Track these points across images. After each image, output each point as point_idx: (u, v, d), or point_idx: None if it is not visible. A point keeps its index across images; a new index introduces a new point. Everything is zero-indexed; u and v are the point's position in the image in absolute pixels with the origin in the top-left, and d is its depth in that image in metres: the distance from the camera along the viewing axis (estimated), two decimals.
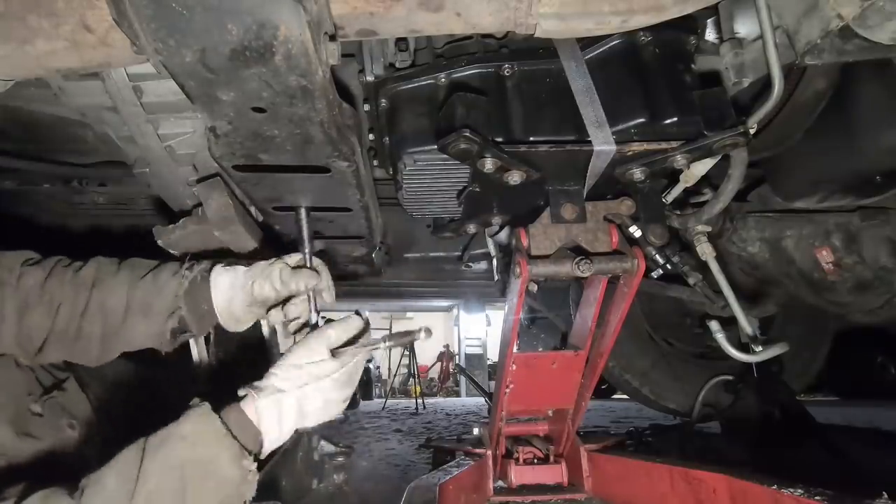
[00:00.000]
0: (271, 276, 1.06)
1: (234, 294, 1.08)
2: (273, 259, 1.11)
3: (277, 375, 0.91)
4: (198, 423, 0.81)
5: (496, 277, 1.97)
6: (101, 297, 1.05)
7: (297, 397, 0.90)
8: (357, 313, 1.02)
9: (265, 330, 1.35)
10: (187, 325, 1.08)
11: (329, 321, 1.04)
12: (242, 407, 0.87)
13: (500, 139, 1.19)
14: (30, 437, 0.98)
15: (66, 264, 1.09)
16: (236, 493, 0.81)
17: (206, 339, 1.32)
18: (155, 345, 1.11)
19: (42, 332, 1.02)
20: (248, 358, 1.49)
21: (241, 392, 0.89)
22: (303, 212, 1.24)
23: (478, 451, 1.93)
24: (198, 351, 1.37)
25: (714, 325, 1.67)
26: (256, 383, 0.90)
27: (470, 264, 2.31)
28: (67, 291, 1.04)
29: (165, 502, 0.76)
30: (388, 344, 0.99)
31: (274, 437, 0.89)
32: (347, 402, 0.96)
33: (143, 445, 0.79)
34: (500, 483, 1.90)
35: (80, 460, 1.05)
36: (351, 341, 0.98)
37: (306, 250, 1.16)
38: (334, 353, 0.95)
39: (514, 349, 1.58)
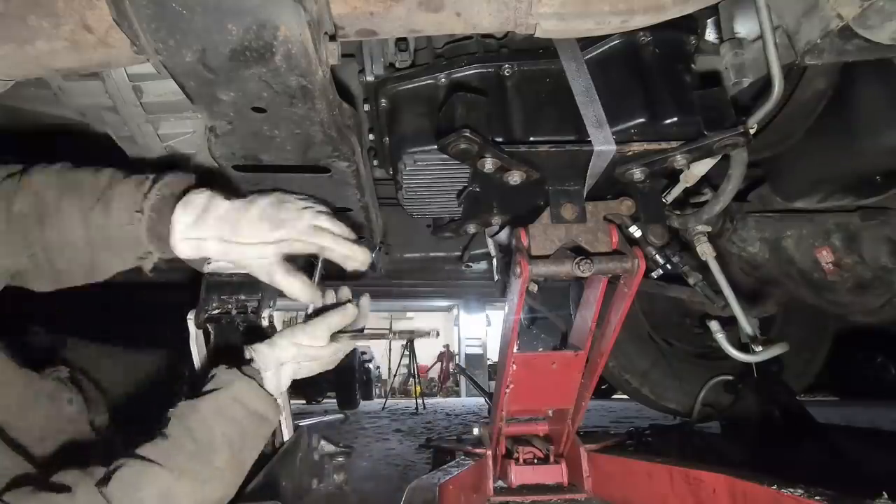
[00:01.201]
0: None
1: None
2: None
3: (281, 348, 1.03)
4: (245, 387, 0.93)
5: (496, 277, 1.97)
6: (56, 235, 0.94)
7: (293, 370, 1.05)
8: (349, 301, 1.16)
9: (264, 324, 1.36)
10: (154, 264, 1.02)
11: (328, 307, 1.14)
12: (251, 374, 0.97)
13: (500, 139, 1.19)
14: (36, 409, 0.99)
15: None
16: (272, 426, 0.99)
17: (206, 336, 1.32)
18: (134, 268, 1.03)
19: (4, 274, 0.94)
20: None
21: (247, 355, 0.99)
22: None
23: (478, 451, 1.93)
24: (196, 347, 1.37)
25: (714, 325, 1.68)
26: (260, 349, 1.01)
27: (470, 264, 2.30)
28: (3, 230, 0.93)
29: (234, 448, 0.89)
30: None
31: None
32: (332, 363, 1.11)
33: (191, 414, 0.88)
34: (500, 483, 1.90)
35: (77, 434, 1.06)
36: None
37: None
38: (333, 337, 1.08)
39: (514, 349, 1.58)
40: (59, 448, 0.99)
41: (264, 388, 0.96)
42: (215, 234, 0.98)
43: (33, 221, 0.93)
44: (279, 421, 1.02)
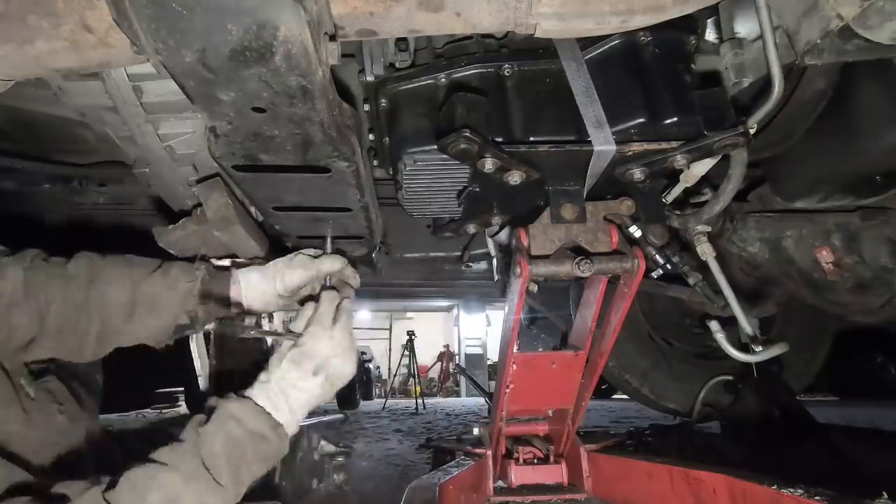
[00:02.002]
0: (298, 262, 1.16)
1: (265, 287, 1.16)
2: (292, 253, 1.18)
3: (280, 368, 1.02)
4: (238, 404, 0.95)
5: (496, 277, 1.97)
6: (101, 293, 1.04)
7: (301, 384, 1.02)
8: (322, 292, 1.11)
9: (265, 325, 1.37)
10: (197, 321, 1.11)
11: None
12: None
13: (500, 139, 1.19)
14: (30, 423, 0.98)
15: (44, 258, 1.06)
16: (275, 450, 0.97)
17: (206, 338, 1.32)
18: (153, 341, 1.12)
19: (29, 331, 0.99)
20: (246, 351, 1.50)
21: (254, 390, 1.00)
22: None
23: (478, 451, 1.93)
24: (197, 348, 1.37)
25: (714, 325, 1.68)
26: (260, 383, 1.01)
27: (470, 264, 2.31)
28: (57, 287, 1.01)
29: (230, 465, 0.89)
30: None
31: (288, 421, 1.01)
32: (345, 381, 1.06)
33: (194, 427, 0.90)
34: (500, 483, 1.90)
35: (68, 445, 1.04)
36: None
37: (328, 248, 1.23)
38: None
39: (514, 349, 1.58)
40: (56, 460, 0.99)
41: (261, 407, 0.96)
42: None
43: (82, 283, 1.03)
44: (286, 440, 0.99)
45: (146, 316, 1.07)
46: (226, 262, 1.55)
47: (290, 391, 0.98)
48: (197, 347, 1.30)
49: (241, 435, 0.91)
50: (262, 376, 1.00)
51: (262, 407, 0.96)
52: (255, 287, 1.16)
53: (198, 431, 0.89)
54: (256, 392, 0.98)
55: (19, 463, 0.88)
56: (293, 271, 1.16)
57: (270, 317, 1.32)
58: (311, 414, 1.05)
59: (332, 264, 1.16)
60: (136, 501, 0.79)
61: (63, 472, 0.86)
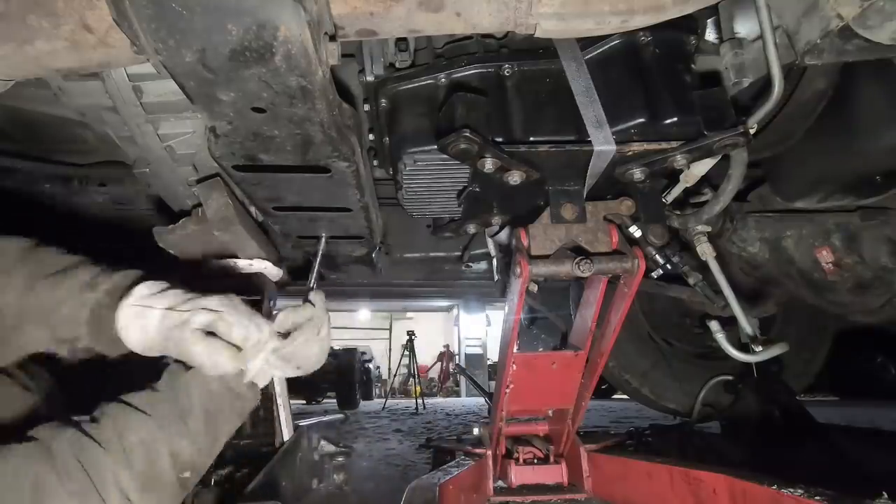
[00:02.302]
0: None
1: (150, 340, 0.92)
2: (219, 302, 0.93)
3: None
4: None
5: (496, 277, 1.97)
6: None
7: (262, 359, 0.98)
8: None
9: None
10: (93, 350, 0.95)
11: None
12: None
13: (500, 139, 1.19)
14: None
15: None
16: (250, 407, 0.98)
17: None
18: (57, 352, 0.96)
19: None
20: None
21: None
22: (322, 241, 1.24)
23: (478, 451, 1.93)
24: None
25: (714, 325, 1.68)
26: None
27: (470, 264, 2.31)
28: None
29: (208, 415, 0.90)
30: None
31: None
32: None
33: (178, 375, 0.90)
34: (500, 483, 1.90)
35: (34, 411, 1.01)
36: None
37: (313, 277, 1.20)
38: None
39: (514, 349, 1.58)
40: (23, 422, 0.93)
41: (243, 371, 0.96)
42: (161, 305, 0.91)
43: None
44: (257, 398, 1.01)
45: (33, 329, 0.92)
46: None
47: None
48: None
49: (220, 390, 0.92)
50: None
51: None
52: (136, 335, 0.91)
53: (174, 383, 0.90)
54: None
55: None
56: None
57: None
58: (311, 414, 1.04)
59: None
60: (115, 438, 0.81)
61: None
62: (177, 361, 0.93)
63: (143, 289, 0.92)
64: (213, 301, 0.91)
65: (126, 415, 0.84)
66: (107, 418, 0.83)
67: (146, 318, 0.89)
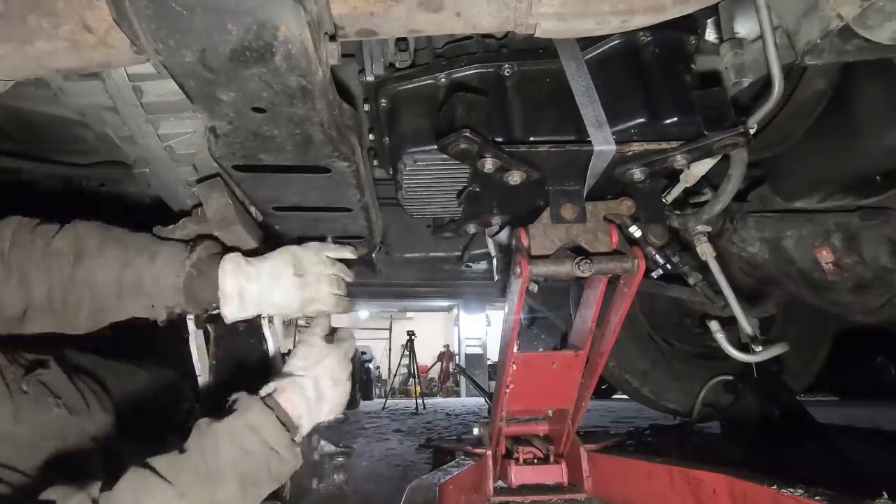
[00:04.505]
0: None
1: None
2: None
3: (293, 366, 1.03)
4: (261, 415, 0.91)
5: (496, 277, 1.96)
6: (88, 271, 1.01)
7: (312, 379, 1.01)
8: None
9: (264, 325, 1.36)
10: (184, 311, 1.09)
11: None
12: (278, 400, 0.96)
13: (500, 139, 1.19)
14: (20, 419, 0.97)
15: (30, 229, 1.03)
16: (289, 471, 0.95)
17: (206, 337, 1.31)
18: (148, 317, 1.10)
19: (17, 306, 0.98)
20: (246, 350, 1.49)
21: (271, 387, 0.98)
22: None
23: (478, 451, 1.93)
24: (196, 348, 1.36)
25: (714, 325, 1.67)
26: (280, 379, 1.00)
27: (470, 264, 2.30)
28: (38, 263, 0.99)
29: (242, 481, 0.86)
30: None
31: (306, 422, 1.00)
32: (350, 381, 1.07)
33: (207, 433, 0.87)
34: (500, 483, 1.90)
35: (68, 440, 1.03)
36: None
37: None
38: (328, 339, 1.10)
39: (514, 349, 1.58)
40: (53, 457, 0.97)
41: (285, 427, 0.93)
42: (256, 287, 1.08)
43: (67, 258, 1.01)
44: (297, 461, 0.96)
45: (131, 299, 1.05)
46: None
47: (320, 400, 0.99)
48: (195, 343, 1.29)
49: (257, 449, 0.87)
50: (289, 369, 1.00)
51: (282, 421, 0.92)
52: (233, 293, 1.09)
53: (203, 443, 0.85)
54: (287, 395, 0.96)
55: (6, 464, 0.86)
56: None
57: (270, 319, 1.31)
58: None
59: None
60: None
61: (62, 470, 0.85)
62: (205, 419, 0.90)
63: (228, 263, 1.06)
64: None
65: (144, 481, 0.80)
66: (125, 483, 0.79)
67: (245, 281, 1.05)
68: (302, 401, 0.98)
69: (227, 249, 1.16)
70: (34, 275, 0.99)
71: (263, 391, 0.97)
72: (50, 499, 0.77)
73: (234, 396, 0.94)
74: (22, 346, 1.07)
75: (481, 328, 14.91)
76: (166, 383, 1.44)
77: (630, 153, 1.18)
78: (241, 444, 0.86)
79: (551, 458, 1.90)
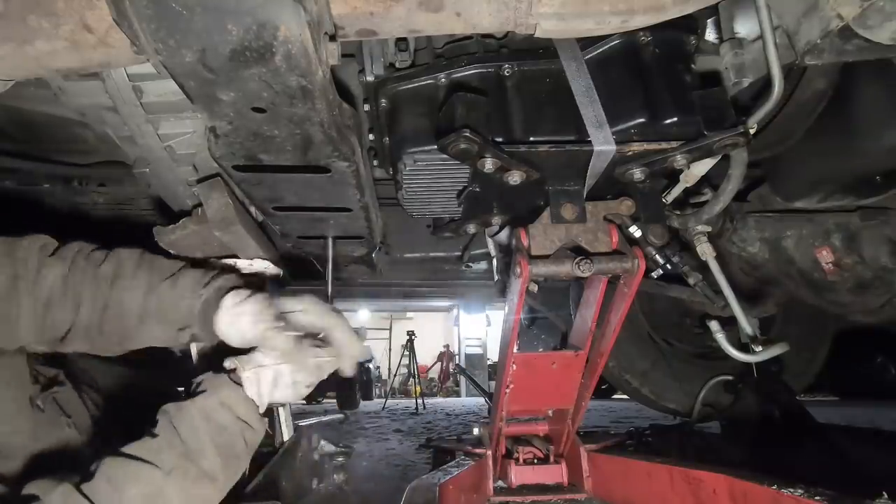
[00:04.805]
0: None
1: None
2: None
3: (259, 353, 1.02)
4: (231, 392, 0.94)
5: (496, 277, 1.97)
6: (119, 296, 1.04)
7: (273, 375, 1.00)
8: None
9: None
10: (196, 339, 1.09)
11: None
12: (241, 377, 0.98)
13: (500, 139, 1.19)
14: (36, 436, 0.98)
15: (86, 254, 1.06)
16: (257, 440, 0.97)
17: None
18: (169, 346, 1.11)
19: (65, 325, 1.01)
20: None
21: (227, 364, 0.98)
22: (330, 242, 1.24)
23: (478, 451, 1.93)
24: (197, 354, 1.36)
25: (714, 325, 1.67)
26: (242, 357, 1.00)
27: (470, 264, 2.30)
28: (88, 286, 1.02)
29: (221, 452, 0.89)
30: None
31: (266, 400, 1.01)
32: (311, 389, 1.06)
33: (178, 415, 0.89)
34: (500, 483, 1.90)
35: (79, 459, 1.03)
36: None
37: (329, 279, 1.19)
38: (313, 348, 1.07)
39: (514, 349, 1.58)
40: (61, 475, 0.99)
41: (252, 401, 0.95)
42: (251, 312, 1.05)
43: (107, 282, 1.03)
44: (265, 430, 0.99)
45: (154, 325, 1.05)
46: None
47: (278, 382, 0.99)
48: (196, 350, 1.29)
49: (228, 421, 0.90)
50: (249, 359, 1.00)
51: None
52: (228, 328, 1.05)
53: (176, 424, 0.87)
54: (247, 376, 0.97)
55: (20, 477, 0.87)
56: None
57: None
58: (311, 414, 1.04)
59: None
60: (113, 494, 0.77)
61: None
62: (171, 403, 0.91)
63: (229, 299, 1.04)
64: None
65: (124, 467, 0.81)
66: (102, 473, 0.80)
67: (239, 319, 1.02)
68: (254, 388, 0.99)
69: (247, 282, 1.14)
70: (84, 299, 1.02)
71: (228, 364, 0.99)
72: (32, 493, 0.77)
73: (199, 378, 0.96)
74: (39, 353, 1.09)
75: (481, 328, 14.91)
76: (165, 391, 1.44)
77: (630, 153, 1.18)
78: (216, 420, 0.89)
79: (551, 458, 1.90)
